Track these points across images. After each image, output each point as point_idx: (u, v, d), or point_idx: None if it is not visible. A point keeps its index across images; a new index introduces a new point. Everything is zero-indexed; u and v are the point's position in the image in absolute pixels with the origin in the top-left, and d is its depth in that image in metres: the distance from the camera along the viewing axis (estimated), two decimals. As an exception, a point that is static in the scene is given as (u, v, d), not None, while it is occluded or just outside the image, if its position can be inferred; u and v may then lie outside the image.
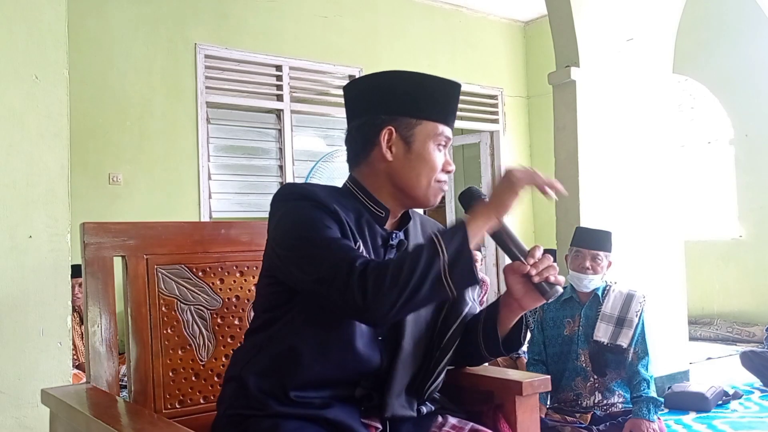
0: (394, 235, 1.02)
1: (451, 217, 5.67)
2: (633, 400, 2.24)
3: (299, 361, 0.94)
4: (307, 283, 0.91)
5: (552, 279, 0.94)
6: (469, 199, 1.00)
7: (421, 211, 1.11)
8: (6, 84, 1.57)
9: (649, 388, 2.22)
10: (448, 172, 1.02)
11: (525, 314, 1.04)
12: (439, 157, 1.01)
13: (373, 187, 1.01)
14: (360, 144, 1.01)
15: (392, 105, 0.99)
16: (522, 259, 0.96)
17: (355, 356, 0.95)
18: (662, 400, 2.31)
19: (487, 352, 1.05)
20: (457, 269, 0.84)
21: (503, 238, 0.98)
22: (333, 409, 0.94)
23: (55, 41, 1.64)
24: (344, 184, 1.04)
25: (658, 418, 2.26)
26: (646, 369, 2.26)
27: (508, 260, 0.96)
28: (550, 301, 0.97)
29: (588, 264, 2.31)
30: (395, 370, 0.98)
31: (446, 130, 1.01)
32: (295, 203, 0.95)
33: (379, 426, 0.98)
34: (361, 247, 0.96)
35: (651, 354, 2.30)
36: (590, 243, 2.34)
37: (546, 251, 3.35)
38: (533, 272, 0.94)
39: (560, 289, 0.96)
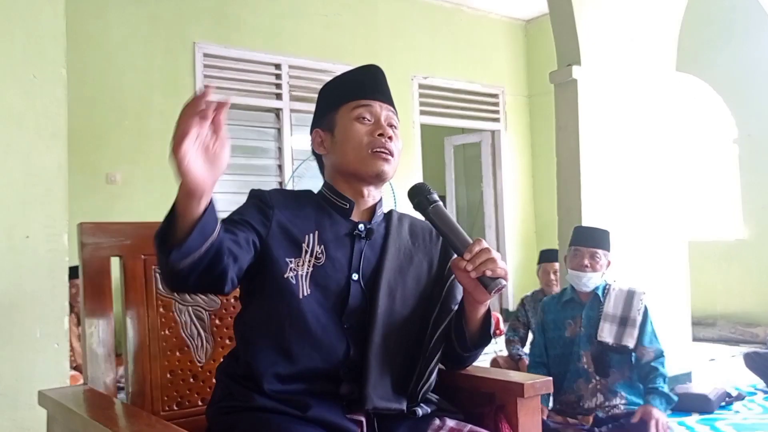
0: (360, 226, 1.05)
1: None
2: (647, 391, 2.24)
3: (262, 357, 0.97)
4: None
5: (489, 273, 0.92)
6: (416, 194, 0.99)
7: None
8: (4, 83, 1.56)
9: (665, 383, 2.23)
10: (381, 136, 1.04)
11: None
12: (361, 128, 1.04)
13: (333, 182, 1.09)
14: (315, 158, 1.15)
15: (318, 116, 1.12)
16: (462, 253, 0.94)
17: (314, 346, 0.96)
18: (676, 399, 2.30)
19: (460, 349, 1.05)
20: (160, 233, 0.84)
21: (444, 231, 0.97)
22: (315, 408, 0.94)
23: (54, 40, 1.63)
24: (320, 189, 1.12)
25: (666, 419, 2.26)
26: (664, 366, 2.26)
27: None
28: (494, 292, 0.94)
29: (587, 262, 2.31)
30: (368, 362, 0.98)
31: (363, 102, 1.05)
32: (246, 202, 1.04)
33: (363, 419, 0.98)
34: (313, 239, 1.01)
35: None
36: (588, 241, 2.35)
37: (547, 251, 3.32)
38: (469, 267, 0.93)
39: (503, 282, 0.93)
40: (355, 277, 1.01)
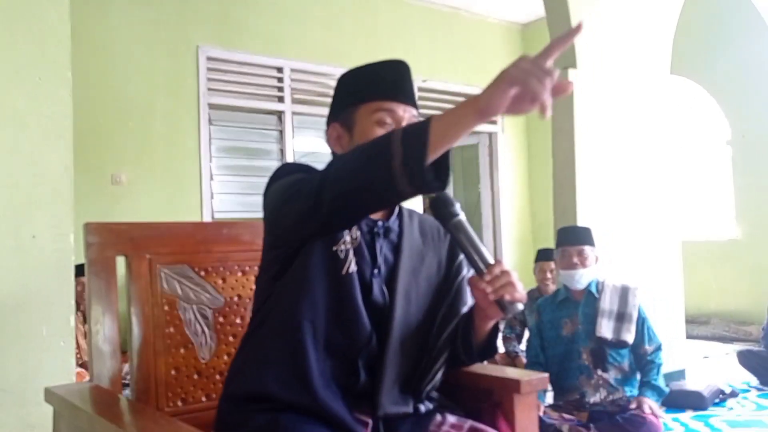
0: (379, 224, 1.03)
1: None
2: (642, 383, 2.34)
3: (275, 361, 0.96)
4: (280, 210, 0.94)
5: (507, 297, 0.92)
6: (440, 205, 0.96)
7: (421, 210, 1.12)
8: (9, 85, 1.57)
9: (658, 374, 2.33)
10: None
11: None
12: (380, 132, 0.99)
13: None
14: (331, 153, 1.08)
15: (336, 106, 1.06)
16: (483, 272, 0.94)
17: (343, 325, 0.96)
18: (667, 391, 2.40)
19: (465, 357, 1.06)
20: (409, 157, 0.77)
21: (465, 246, 0.96)
22: (322, 402, 0.94)
23: (58, 43, 1.64)
24: None
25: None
26: (659, 358, 2.37)
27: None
28: (509, 315, 0.97)
29: (575, 260, 2.36)
30: (383, 369, 0.98)
31: (386, 104, 1.01)
32: (286, 174, 0.99)
33: (370, 420, 0.99)
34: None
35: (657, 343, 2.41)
36: (573, 240, 2.40)
37: (545, 250, 3.36)
38: (489, 290, 0.92)
39: (520, 307, 0.94)
40: (375, 271, 1.01)
